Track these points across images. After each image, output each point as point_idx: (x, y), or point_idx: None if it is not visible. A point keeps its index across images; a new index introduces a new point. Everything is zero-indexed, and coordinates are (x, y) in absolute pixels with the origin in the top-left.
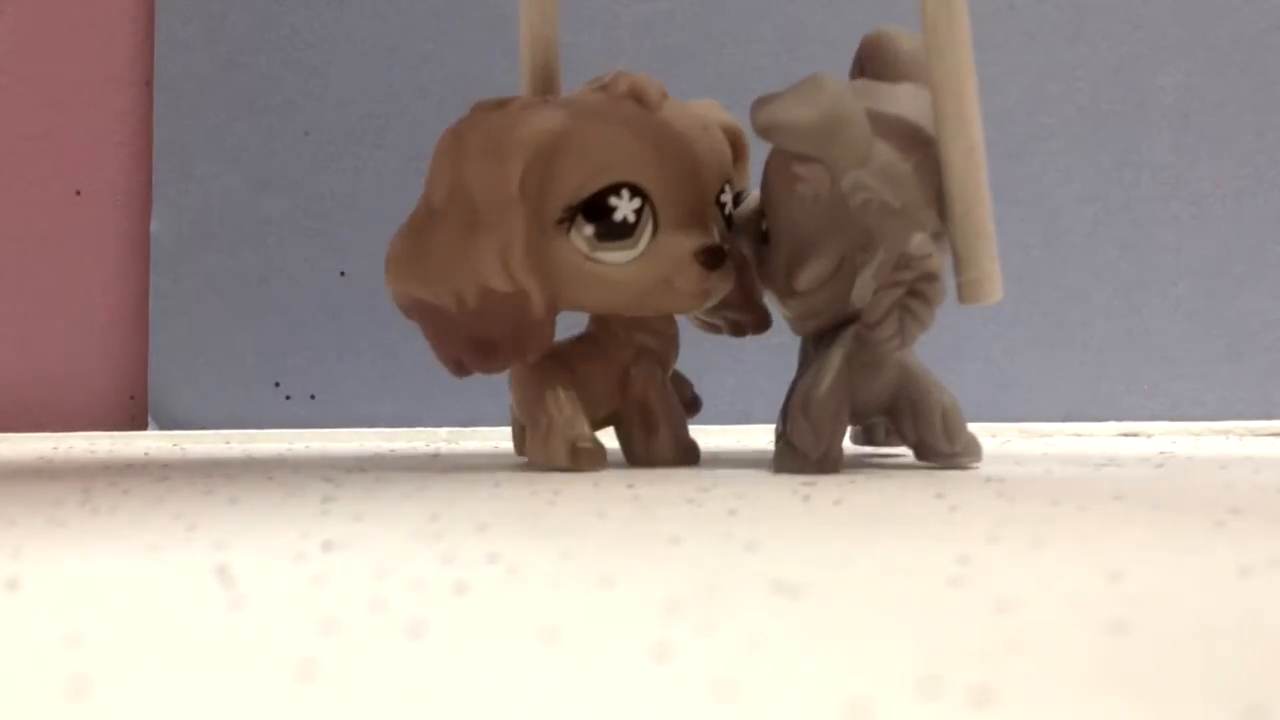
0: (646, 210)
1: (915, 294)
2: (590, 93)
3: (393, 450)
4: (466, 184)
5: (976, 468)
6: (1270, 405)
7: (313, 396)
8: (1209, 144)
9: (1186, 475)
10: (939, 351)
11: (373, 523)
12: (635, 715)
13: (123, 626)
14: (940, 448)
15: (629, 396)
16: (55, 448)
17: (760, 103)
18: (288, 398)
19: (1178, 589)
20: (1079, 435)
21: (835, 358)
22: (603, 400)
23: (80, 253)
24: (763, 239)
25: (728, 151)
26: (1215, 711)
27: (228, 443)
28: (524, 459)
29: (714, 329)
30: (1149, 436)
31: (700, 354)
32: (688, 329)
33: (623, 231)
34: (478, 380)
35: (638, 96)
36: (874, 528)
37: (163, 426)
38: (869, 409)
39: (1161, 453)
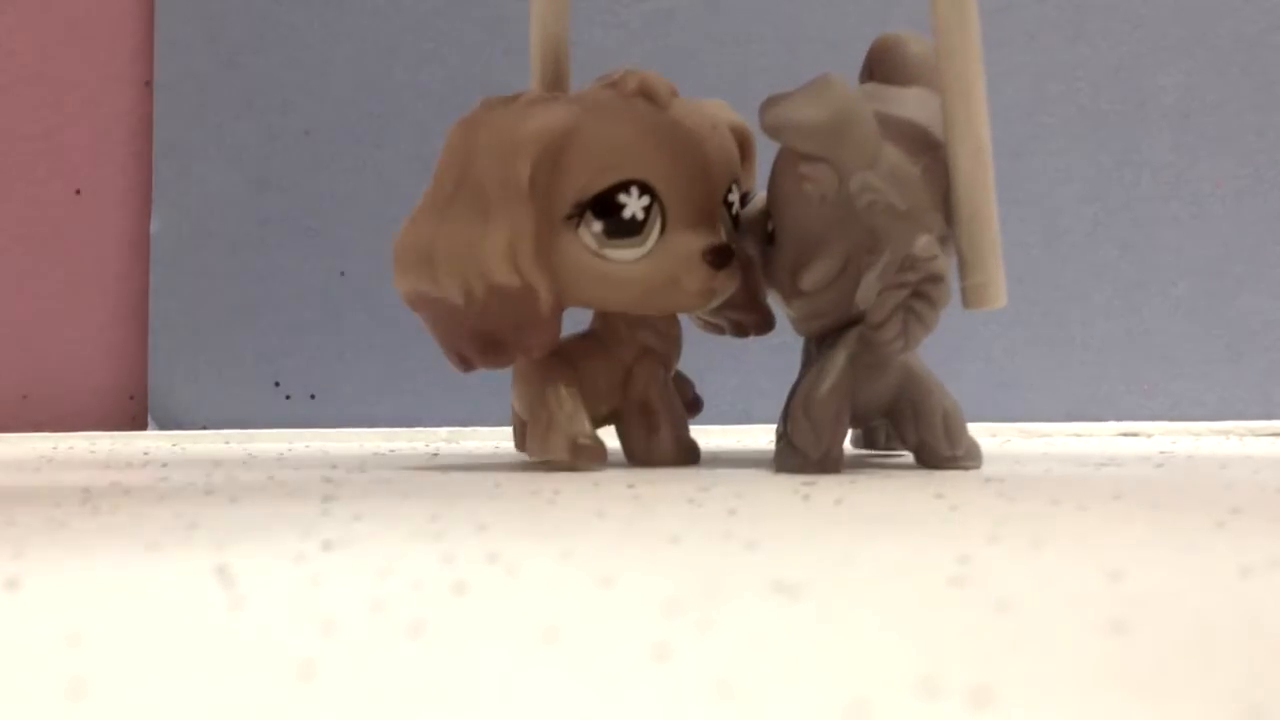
0: (655, 208)
1: (920, 296)
2: (600, 90)
3: (393, 450)
4: (476, 178)
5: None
6: (1270, 405)
7: (313, 396)
8: (1209, 144)
9: (1186, 475)
10: (939, 352)
11: (373, 523)
12: (635, 715)
13: (123, 626)
14: (941, 450)
15: (631, 395)
16: (55, 448)
17: (769, 102)
18: (288, 397)
19: (1178, 589)
20: (1079, 435)
21: (839, 358)
22: (604, 398)
23: (80, 252)
24: (768, 239)
25: (736, 151)
26: (1215, 711)
27: (227, 442)
28: (524, 457)
29: (716, 329)
30: (1149, 436)
31: (702, 354)
32: (690, 329)
33: (631, 229)
34: (477, 380)
35: (647, 94)
36: (874, 527)
37: (163, 426)
38: (871, 411)
39: (1161, 452)
